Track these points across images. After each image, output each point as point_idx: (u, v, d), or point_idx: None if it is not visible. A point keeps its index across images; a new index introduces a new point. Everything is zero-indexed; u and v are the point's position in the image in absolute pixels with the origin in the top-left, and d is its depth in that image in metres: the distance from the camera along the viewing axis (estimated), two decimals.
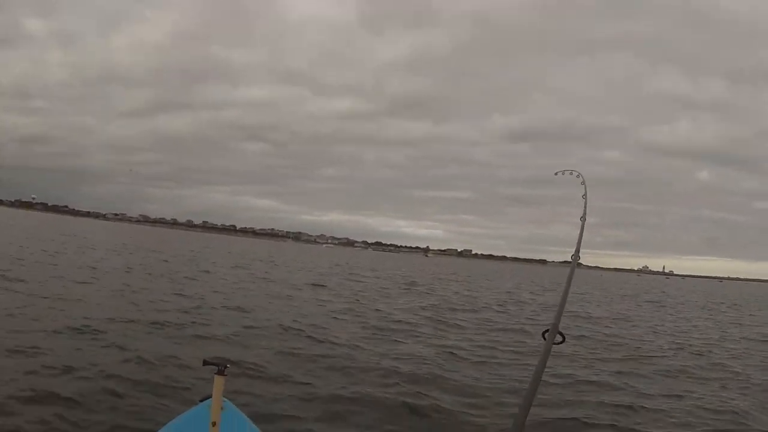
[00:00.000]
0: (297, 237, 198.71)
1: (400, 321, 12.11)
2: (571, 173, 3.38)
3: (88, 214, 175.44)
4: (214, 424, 1.90)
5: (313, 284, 20.21)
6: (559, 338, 1.86)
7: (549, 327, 1.90)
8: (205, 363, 1.96)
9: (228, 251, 47.56)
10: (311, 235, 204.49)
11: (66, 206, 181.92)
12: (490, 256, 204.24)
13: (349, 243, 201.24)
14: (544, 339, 1.84)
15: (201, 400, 2.89)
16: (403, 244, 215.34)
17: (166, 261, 24.31)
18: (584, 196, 3.17)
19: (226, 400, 2.34)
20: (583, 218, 2.99)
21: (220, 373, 1.93)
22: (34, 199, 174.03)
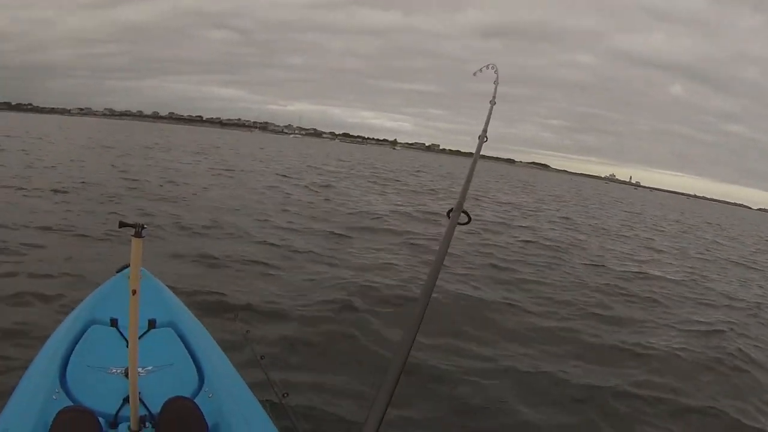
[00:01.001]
0: (264, 127, 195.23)
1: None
2: (488, 68, 3.50)
3: (52, 111, 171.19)
4: (134, 292, 1.75)
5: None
6: (464, 218, 1.77)
7: (453, 207, 1.80)
8: (122, 225, 1.75)
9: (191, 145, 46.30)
10: (278, 126, 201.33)
11: (30, 104, 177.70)
12: (458, 152, 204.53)
13: (317, 134, 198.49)
14: (448, 218, 1.75)
15: (118, 270, 2.87)
16: (371, 136, 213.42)
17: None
18: (495, 81, 3.32)
19: (143, 268, 2.08)
20: (492, 102, 3.14)
21: (137, 235, 1.72)
22: None
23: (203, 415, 1.83)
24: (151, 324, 1.96)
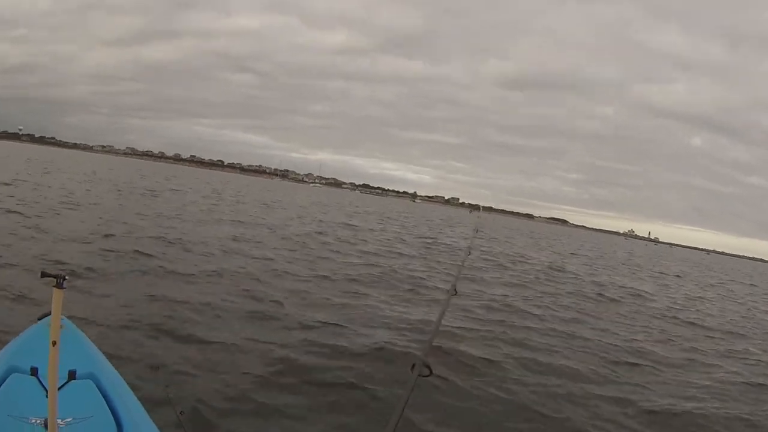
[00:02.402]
0: (284, 175, 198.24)
1: None
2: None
3: (75, 146, 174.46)
4: (54, 343, 1.76)
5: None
6: (425, 371, 1.84)
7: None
8: (43, 275, 1.76)
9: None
10: (299, 174, 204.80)
11: (53, 137, 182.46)
12: (476, 206, 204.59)
13: (337, 184, 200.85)
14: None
15: (40, 318, 2.87)
16: (391, 188, 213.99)
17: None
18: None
19: (64, 317, 2.21)
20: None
21: (59, 286, 1.74)
22: (21, 130, 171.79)
23: None
24: (71, 375, 1.98)
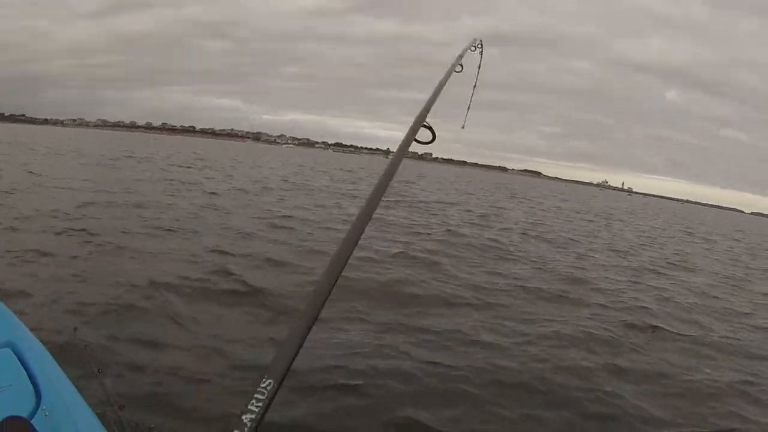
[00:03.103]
0: (257, 137, 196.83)
1: None
2: (474, 49, 2.76)
3: (46, 122, 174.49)
4: None
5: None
6: (428, 135, 1.54)
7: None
8: None
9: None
10: (271, 136, 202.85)
11: (23, 115, 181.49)
12: (450, 161, 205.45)
13: (310, 144, 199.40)
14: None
15: None
16: (364, 146, 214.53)
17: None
18: (479, 65, 3.01)
19: None
20: (474, 85, 2.98)
21: None
22: None
23: None
24: None
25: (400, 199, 19.06)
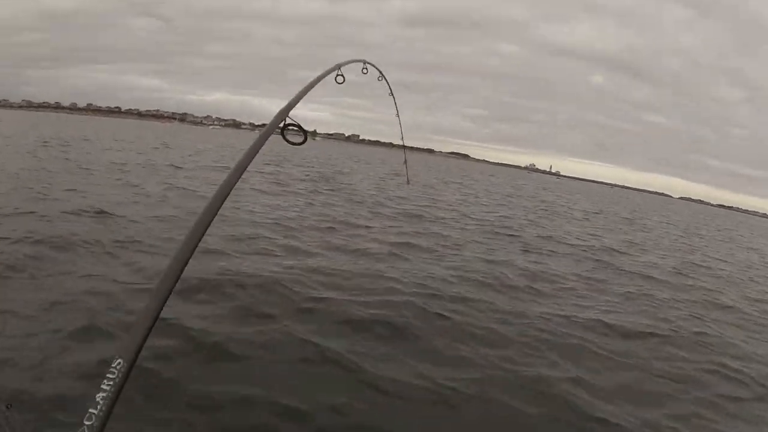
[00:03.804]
0: (183, 118, 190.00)
1: None
2: (363, 69, 2.72)
3: None
4: None
5: None
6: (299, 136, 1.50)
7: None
8: None
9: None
10: (197, 116, 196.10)
11: None
12: (377, 142, 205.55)
13: (236, 125, 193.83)
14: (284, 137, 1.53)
15: None
16: None
17: None
18: (391, 94, 3.17)
19: None
20: (397, 115, 3.16)
21: None
22: None
23: None
24: None
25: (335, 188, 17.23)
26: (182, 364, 3.52)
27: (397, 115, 3.19)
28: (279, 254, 6.80)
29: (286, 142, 1.48)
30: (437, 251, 8.49)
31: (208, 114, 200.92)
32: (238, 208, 9.73)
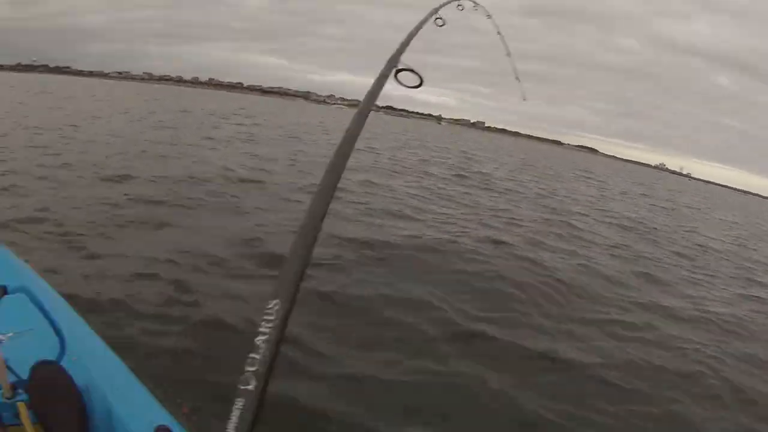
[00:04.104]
0: (306, 96, 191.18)
1: None
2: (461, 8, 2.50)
3: (91, 74, 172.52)
4: None
5: None
6: (414, 78, 1.43)
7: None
8: None
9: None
10: (320, 95, 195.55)
11: (68, 67, 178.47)
12: (503, 131, 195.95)
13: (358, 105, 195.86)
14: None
15: None
16: (415, 110, 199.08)
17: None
18: (499, 32, 3.01)
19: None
20: (507, 54, 2.99)
21: None
22: (35, 61, 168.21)
23: (71, 378, 1.88)
24: (2, 291, 1.94)
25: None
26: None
27: (508, 54, 2.96)
28: None
29: (401, 86, 1.42)
30: None
31: (331, 93, 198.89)
32: None
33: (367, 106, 1.32)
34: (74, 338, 2.12)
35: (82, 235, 5.42)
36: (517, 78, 3.01)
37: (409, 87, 1.43)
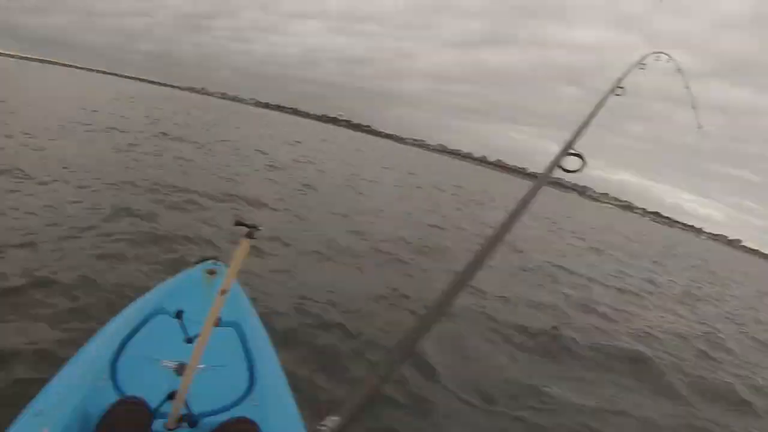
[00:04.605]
0: (582, 191, 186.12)
1: None
2: (658, 58, 2.64)
3: (388, 137, 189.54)
4: (223, 291, 1.77)
5: None
6: (576, 162, 1.52)
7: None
8: (237, 223, 1.73)
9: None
10: (596, 192, 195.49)
11: (369, 126, 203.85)
12: (757, 251, 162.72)
13: (629, 207, 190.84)
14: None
15: (197, 262, 3.07)
16: (679, 220, 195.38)
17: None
18: (687, 86, 2.89)
19: (221, 263, 2.72)
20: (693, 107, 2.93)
21: (250, 236, 1.74)
22: (340, 116, 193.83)
23: None
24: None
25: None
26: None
27: (693, 107, 2.88)
28: None
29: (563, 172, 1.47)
30: None
31: (606, 192, 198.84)
32: None
33: (540, 182, 1.40)
34: (264, 383, 2.09)
35: None
36: (693, 107, 2.80)
37: (568, 171, 1.47)
